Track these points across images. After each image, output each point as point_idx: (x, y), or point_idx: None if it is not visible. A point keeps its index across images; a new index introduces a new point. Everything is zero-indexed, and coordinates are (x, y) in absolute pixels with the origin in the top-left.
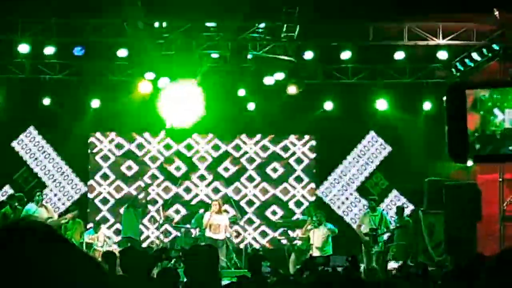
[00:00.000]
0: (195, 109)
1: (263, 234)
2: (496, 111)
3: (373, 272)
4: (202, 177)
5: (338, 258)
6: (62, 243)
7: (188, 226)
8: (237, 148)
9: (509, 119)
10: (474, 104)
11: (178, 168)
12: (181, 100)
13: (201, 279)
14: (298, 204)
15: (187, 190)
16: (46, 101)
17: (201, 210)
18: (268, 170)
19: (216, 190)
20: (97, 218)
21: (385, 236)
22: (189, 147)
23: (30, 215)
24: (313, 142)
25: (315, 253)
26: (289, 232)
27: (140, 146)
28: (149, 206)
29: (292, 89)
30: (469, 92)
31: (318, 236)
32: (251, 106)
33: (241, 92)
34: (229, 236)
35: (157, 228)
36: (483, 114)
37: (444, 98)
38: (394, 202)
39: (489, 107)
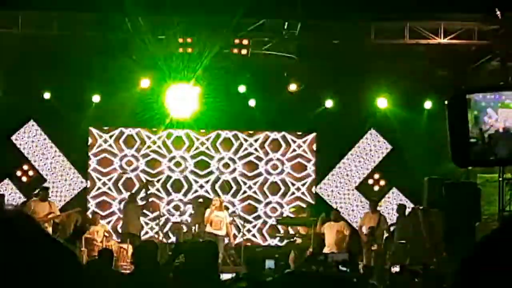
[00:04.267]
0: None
1: (262, 231)
2: (489, 111)
3: (370, 270)
4: (201, 173)
5: (338, 255)
6: (38, 233)
7: (188, 221)
8: (237, 144)
9: (502, 119)
10: (468, 104)
11: (178, 164)
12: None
13: (200, 274)
14: (297, 201)
15: (188, 186)
16: (47, 95)
17: (199, 207)
18: (267, 166)
19: (215, 187)
20: (97, 213)
21: (384, 235)
22: (190, 143)
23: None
24: (313, 139)
25: (332, 249)
26: (289, 229)
27: (141, 141)
28: (150, 201)
29: (292, 86)
30: None
31: (333, 232)
32: (251, 102)
33: (241, 89)
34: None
35: (157, 224)
36: (477, 114)
37: (446, 102)
38: (393, 200)
39: (482, 107)
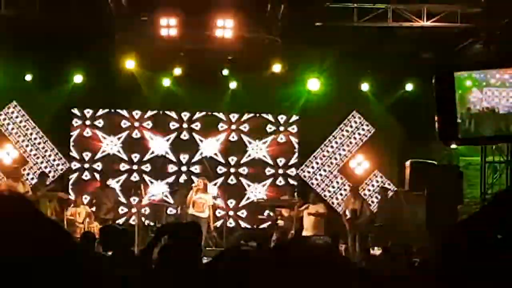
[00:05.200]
0: None
1: (245, 213)
2: (474, 90)
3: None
4: (184, 155)
5: (319, 238)
6: (31, 211)
7: (170, 203)
8: (220, 127)
9: (486, 98)
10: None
11: (162, 146)
12: None
13: (183, 256)
14: (280, 183)
15: (171, 168)
16: (29, 76)
17: (182, 189)
18: (250, 149)
19: (197, 169)
20: (78, 194)
21: (366, 219)
22: (173, 125)
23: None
24: (296, 122)
25: (309, 232)
26: (271, 211)
27: (124, 123)
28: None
29: (276, 68)
30: None
31: (310, 216)
32: (234, 84)
33: (225, 71)
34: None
35: (139, 206)
36: (461, 93)
37: (433, 80)
38: (376, 183)
39: (467, 86)
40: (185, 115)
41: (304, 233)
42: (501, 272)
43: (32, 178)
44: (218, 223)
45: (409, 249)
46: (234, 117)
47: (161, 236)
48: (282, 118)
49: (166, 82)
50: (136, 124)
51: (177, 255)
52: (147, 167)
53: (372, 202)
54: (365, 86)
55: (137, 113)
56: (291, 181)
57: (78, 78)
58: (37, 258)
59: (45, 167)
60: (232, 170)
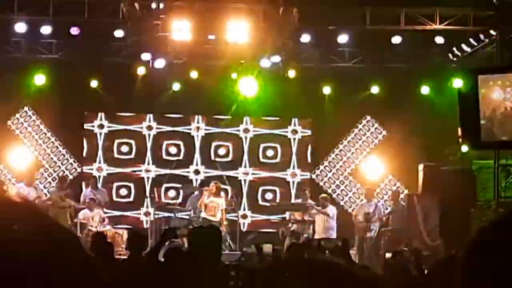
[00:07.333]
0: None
1: (258, 217)
2: (497, 89)
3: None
4: (197, 159)
5: (330, 242)
6: (41, 217)
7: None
8: (232, 129)
9: (510, 98)
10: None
11: (175, 149)
12: None
13: (205, 259)
14: (293, 187)
15: (183, 171)
16: (42, 81)
17: (196, 192)
18: (263, 153)
19: (211, 172)
20: (93, 199)
21: (379, 223)
22: (188, 130)
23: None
24: (309, 126)
25: (320, 235)
26: (284, 215)
27: (137, 127)
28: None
29: (289, 72)
30: None
31: (321, 220)
32: (245, 88)
33: (234, 75)
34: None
35: (153, 209)
36: (484, 92)
37: (457, 83)
38: (389, 186)
39: (489, 85)
40: (198, 119)
41: (315, 237)
42: None
43: (48, 182)
44: (231, 227)
45: (420, 253)
46: (247, 120)
47: (168, 238)
48: (295, 122)
49: (177, 86)
50: (150, 128)
51: (197, 258)
52: (160, 171)
53: (385, 206)
54: (377, 89)
55: (150, 117)
56: (304, 185)
57: (92, 83)
58: (41, 263)
59: (59, 171)
60: (245, 173)
